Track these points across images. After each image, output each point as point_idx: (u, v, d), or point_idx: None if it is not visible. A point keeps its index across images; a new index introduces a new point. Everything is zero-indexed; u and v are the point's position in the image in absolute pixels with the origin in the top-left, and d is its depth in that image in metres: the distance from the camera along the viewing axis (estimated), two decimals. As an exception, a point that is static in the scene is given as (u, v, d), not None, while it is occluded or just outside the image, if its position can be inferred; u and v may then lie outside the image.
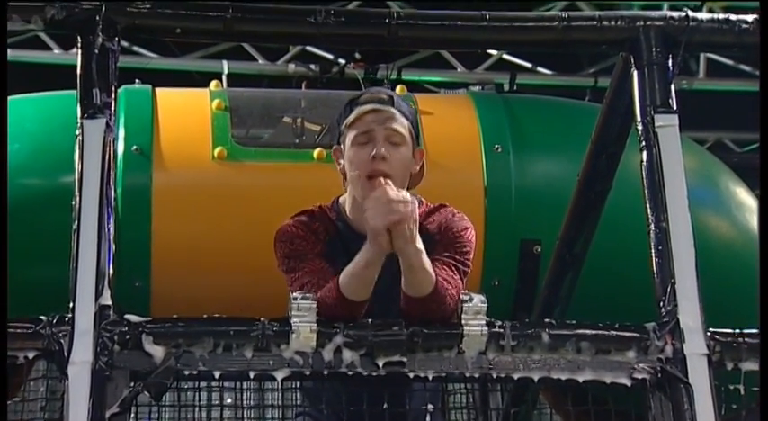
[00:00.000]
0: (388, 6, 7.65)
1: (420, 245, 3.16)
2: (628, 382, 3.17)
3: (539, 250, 5.02)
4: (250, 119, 5.41)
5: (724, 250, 4.95)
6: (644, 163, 3.39)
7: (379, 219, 3.10)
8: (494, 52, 8.11)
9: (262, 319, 3.12)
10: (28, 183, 4.91)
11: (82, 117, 3.26)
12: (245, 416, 3.59)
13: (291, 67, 8.02)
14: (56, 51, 7.89)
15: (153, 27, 3.47)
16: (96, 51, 3.31)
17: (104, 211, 3.16)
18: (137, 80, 5.40)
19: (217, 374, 3.11)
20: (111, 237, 3.15)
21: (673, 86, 3.46)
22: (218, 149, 5.04)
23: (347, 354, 3.12)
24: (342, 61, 7.77)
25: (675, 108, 3.43)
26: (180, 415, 3.48)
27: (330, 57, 7.89)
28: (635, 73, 3.49)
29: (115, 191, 3.29)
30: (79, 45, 3.35)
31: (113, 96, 3.30)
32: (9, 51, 7.31)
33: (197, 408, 3.50)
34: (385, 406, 3.18)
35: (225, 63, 7.95)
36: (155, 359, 3.06)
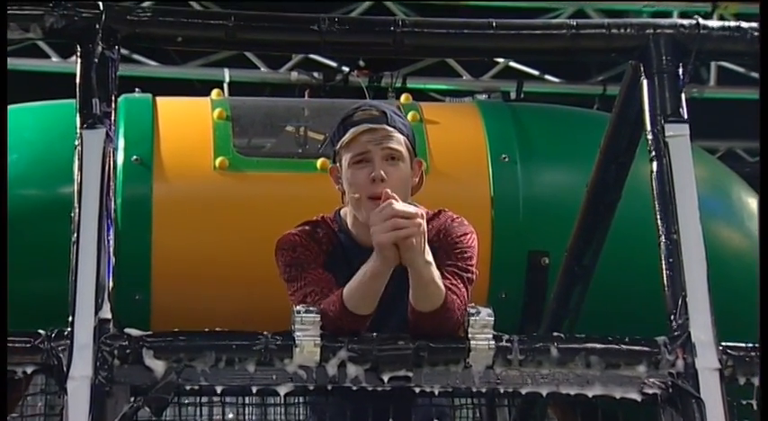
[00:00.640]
0: (393, 14, 7.61)
1: (429, 257, 3.12)
2: (638, 397, 3.14)
3: (547, 262, 4.99)
4: (252, 128, 5.37)
5: (736, 262, 4.91)
6: (654, 173, 3.36)
7: (384, 234, 3.06)
8: (500, 60, 8.07)
9: (265, 333, 3.08)
10: (26, 193, 4.88)
11: (81, 127, 3.23)
12: (247, 431, 3.55)
13: (294, 75, 7.99)
14: (54, 59, 7.85)
15: (154, 35, 3.44)
16: (96, 60, 3.28)
17: (104, 223, 3.13)
18: (137, 89, 5.36)
19: (219, 389, 3.07)
20: (111, 250, 3.12)
21: (683, 95, 3.43)
22: (219, 159, 5.01)
23: (352, 369, 3.09)
24: (345, 69, 7.73)
25: (686, 117, 3.40)
26: (181, 430, 3.43)
27: (334, 64, 7.86)
28: (645, 81, 3.46)
29: (115, 202, 3.26)
30: (79, 54, 3.32)
31: (113, 106, 3.27)
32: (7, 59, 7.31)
33: (198, 424, 3.45)
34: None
35: (226, 71, 7.92)
36: (155, 374, 3.03)
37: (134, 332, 3.07)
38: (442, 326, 3.15)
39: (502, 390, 3.14)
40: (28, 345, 3.04)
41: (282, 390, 3.07)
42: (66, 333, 3.04)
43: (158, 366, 3.03)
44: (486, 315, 3.12)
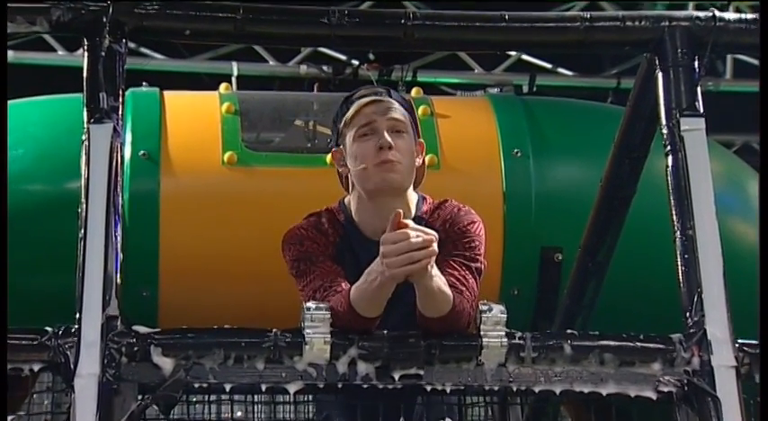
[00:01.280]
0: (403, 6, 7.58)
1: (435, 269, 3.06)
2: (653, 395, 3.11)
3: (560, 258, 4.94)
4: (261, 122, 5.34)
5: (752, 258, 4.86)
6: (669, 168, 3.32)
7: (400, 269, 2.98)
8: (513, 53, 8.03)
9: (274, 330, 3.06)
10: (32, 189, 4.85)
11: (88, 121, 3.20)
12: (256, 429, 3.53)
13: (303, 68, 7.98)
14: (61, 53, 7.83)
15: (161, 28, 3.40)
16: (103, 54, 3.25)
17: (111, 219, 3.11)
18: (144, 83, 5.34)
19: (227, 387, 3.04)
20: (119, 245, 3.10)
21: (699, 88, 3.40)
22: (228, 154, 4.97)
23: (362, 367, 3.06)
24: (355, 62, 7.71)
25: (702, 111, 3.36)
26: (189, 429, 3.41)
27: (343, 58, 7.83)
28: (660, 75, 3.42)
29: (122, 197, 3.22)
30: (85, 47, 3.29)
31: (121, 100, 3.25)
32: (12, 53, 7.29)
33: (207, 422, 3.43)
34: (401, 419, 3.14)
35: (235, 65, 7.91)
36: (163, 371, 3.01)
37: (142, 329, 3.05)
38: (453, 327, 3.13)
39: (514, 388, 3.11)
40: (35, 343, 3.01)
41: (292, 388, 3.05)
42: (73, 330, 3.01)
43: (166, 364, 3.00)
44: (498, 312, 3.09)
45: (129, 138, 4.88)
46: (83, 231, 3.09)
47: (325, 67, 7.87)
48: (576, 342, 3.13)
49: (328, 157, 4.99)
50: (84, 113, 3.21)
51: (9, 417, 3.30)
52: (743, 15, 3.53)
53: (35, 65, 7.66)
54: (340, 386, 3.05)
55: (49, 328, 3.03)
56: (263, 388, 3.05)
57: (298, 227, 3.36)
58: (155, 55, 7.89)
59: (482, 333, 3.08)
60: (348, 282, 3.17)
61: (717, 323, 3.14)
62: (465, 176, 4.87)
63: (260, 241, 4.70)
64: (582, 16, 3.50)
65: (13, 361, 3.00)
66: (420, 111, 4.96)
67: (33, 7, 3.28)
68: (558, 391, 3.11)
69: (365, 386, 3.05)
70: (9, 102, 4.60)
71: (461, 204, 3.38)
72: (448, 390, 3.09)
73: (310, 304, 3.08)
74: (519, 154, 5.06)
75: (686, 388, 3.10)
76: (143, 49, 7.78)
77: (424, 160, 3.41)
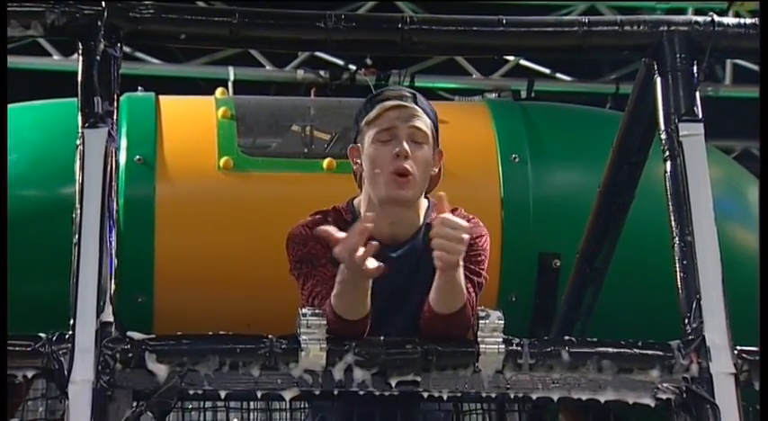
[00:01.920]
0: (400, 11, 7.57)
1: (460, 262, 3.05)
2: (651, 403, 3.10)
3: (558, 264, 4.95)
4: (257, 127, 5.34)
5: (751, 264, 4.86)
6: (668, 173, 3.32)
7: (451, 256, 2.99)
8: (511, 58, 8.03)
9: (270, 337, 3.05)
10: (27, 194, 4.85)
11: (83, 126, 3.19)
12: (251, 436, 3.50)
13: (300, 73, 7.96)
14: (55, 57, 7.82)
15: (157, 32, 3.40)
16: (98, 58, 3.25)
17: (106, 224, 3.10)
18: (139, 87, 5.33)
19: (223, 394, 3.04)
20: (113, 251, 3.09)
21: (698, 93, 3.39)
22: (224, 159, 4.96)
23: (358, 373, 3.05)
24: (352, 67, 7.69)
25: (701, 116, 3.36)
26: (184, 435, 3.40)
27: (340, 63, 7.82)
28: (658, 80, 3.42)
29: (117, 203, 3.21)
30: (80, 51, 3.28)
31: (116, 105, 3.23)
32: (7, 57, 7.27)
33: (202, 429, 3.42)
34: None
35: (231, 69, 7.89)
36: (158, 378, 2.99)
37: (136, 335, 3.03)
38: (456, 328, 3.11)
39: (512, 395, 3.10)
40: (28, 349, 3.00)
41: (288, 395, 3.04)
42: (67, 336, 3.00)
43: (161, 370, 2.99)
44: (495, 318, 3.08)
45: (124, 143, 4.88)
46: (77, 236, 3.08)
47: (322, 72, 7.85)
48: (574, 348, 3.11)
49: (325, 163, 5.01)
50: (79, 118, 3.20)
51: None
52: (742, 20, 3.52)
53: (31, 70, 7.65)
54: (336, 393, 3.04)
55: (42, 334, 3.02)
56: (259, 394, 3.04)
57: (303, 225, 3.33)
58: (150, 59, 7.87)
59: (479, 339, 3.06)
60: None
61: (715, 329, 3.13)
62: (463, 182, 4.85)
63: (256, 247, 4.71)
64: (580, 21, 3.49)
65: (6, 367, 2.98)
66: (417, 116, 4.95)
67: (28, 11, 3.27)
68: (555, 398, 3.10)
69: (361, 393, 3.04)
70: (4, 106, 4.59)
71: (470, 215, 3.36)
72: (445, 397, 3.08)
73: (306, 310, 3.07)
74: (517, 159, 5.06)
75: (685, 395, 3.09)
76: (138, 54, 7.76)
77: (440, 169, 3.39)
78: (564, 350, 3.10)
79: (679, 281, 3.20)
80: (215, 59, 7.97)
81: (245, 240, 4.82)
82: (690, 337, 3.13)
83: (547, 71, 8.26)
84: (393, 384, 3.04)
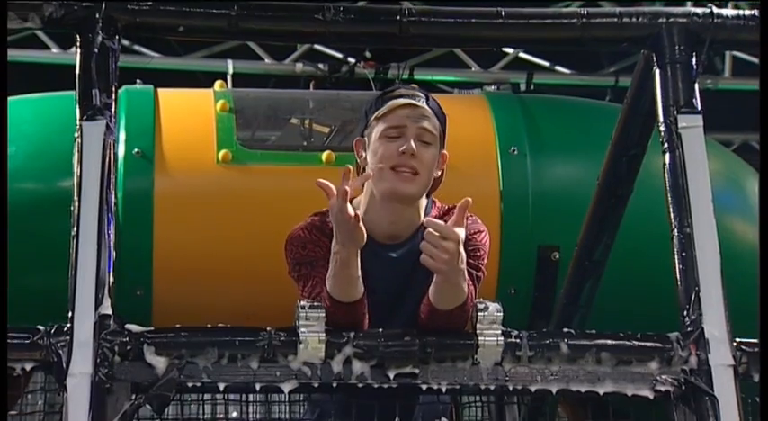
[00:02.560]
0: (399, 3, 7.56)
1: (463, 264, 3.05)
2: (650, 395, 3.10)
3: (557, 257, 4.94)
4: (256, 120, 5.33)
5: (750, 256, 4.87)
6: (667, 165, 3.31)
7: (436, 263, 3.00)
8: (510, 50, 8.02)
9: (268, 329, 3.04)
10: (25, 187, 4.83)
11: (81, 119, 3.19)
12: (250, 429, 3.50)
13: (299, 66, 7.96)
14: (54, 50, 7.81)
15: (155, 25, 3.40)
16: (96, 50, 3.24)
17: (104, 217, 3.09)
18: (138, 80, 5.33)
19: (221, 386, 3.03)
20: (112, 244, 3.09)
21: (697, 86, 3.39)
22: (222, 152, 4.96)
23: (357, 366, 3.05)
24: (351, 60, 7.68)
25: (700, 108, 3.35)
26: (183, 428, 3.40)
27: (339, 55, 7.81)
28: (657, 72, 3.41)
29: (115, 195, 3.21)
30: (78, 44, 3.28)
31: (114, 97, 3.23)
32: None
33: (200, 422, 3.41)
34: (396, 419, 3.11)
35: (230, 62, 7.89)
36: (157, 370, 2.99)
37: (135, 328, 3.03)
38: (455, 323, 3.11)
39: (511, 388, 3.10)
40: (27, 342, 3.00)
41: (286, 387, 3.03)
42: (65, 329, 3.00)
43: (160, 363, 2.99)
44: (494, 310, 3.08)
45: (122, 135, 4.87)
46: (75, 229, 3.08)
47: (320, 65, 7.84)
48: (573, 341, 3.11)
49: (324, 156, 5.00)
50: (77, 110, 3.20)
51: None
52: (741, 12, 3.52)
53: (29, 62, 7.64)
54: (335, 385, 3.04)
55: (41, 327, 3.01)
56: (258, 387, 3.04)
57: (301, 227, 3.33)
58: (149, 52, 7.86)
59: (478, 331, 3.06)
60: None
61: (714, 322, 3.13)
62: (462, 175, 4.82)
63: (254, 240, 4.71)
64: (579, 12, 3.49)
65: (5, 360, 2.98)
66: (417, 109, 4.95)
67: (26, 3, 3.27)
68: (554, 391, 3.10)
69: (360, 385, 3.04)
70: (2, 99, 4.60)
71: (470, 213, 3.36)
72: (444, 389, 3.08)
73: (304, 302, 3.07)
74: (516, 152, 5.06)
75: (683, 387, 3.09)
76: (137, 47, 7.75)
77: (443, 172, 3.38)
78: (563, 342, 3.10)
79: (678, 273, 3.20)
80: (214, 53, 7.96)
81: (244, 233, 4.82)
82: (689, 329, 3.13)
83: (546, 64, 8.26)
84: (392, 376, 3.04)
